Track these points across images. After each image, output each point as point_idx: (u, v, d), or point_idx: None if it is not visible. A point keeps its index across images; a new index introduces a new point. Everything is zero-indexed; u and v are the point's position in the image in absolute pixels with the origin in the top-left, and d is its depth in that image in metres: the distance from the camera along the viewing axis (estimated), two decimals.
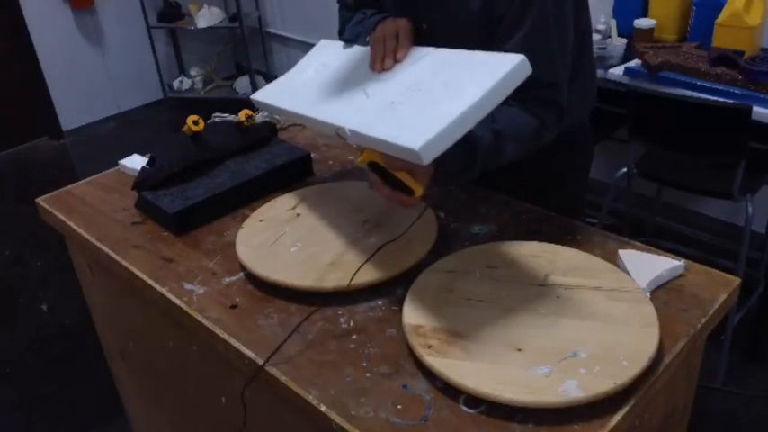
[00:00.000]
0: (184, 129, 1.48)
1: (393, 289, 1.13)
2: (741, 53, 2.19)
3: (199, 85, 4.82)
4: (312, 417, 0.94)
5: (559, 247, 1.17)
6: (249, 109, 1.56)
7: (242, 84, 4.75)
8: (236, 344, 1.05)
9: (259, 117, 1.66)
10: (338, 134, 1.09)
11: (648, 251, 1.17)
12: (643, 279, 1.09)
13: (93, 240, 1.35)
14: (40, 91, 4.26)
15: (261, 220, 1.31)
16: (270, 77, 4.70)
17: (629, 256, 1.15)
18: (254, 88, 4.55)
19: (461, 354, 0.95)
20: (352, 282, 1.09)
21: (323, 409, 0.92)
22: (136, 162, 1.56)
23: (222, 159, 1.48)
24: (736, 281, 1.11)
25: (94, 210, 1.46)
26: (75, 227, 1.41)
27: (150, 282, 1.21)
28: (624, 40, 2.52)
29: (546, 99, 1.20)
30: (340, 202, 1.34)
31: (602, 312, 1.01)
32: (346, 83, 1.25)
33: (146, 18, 4.43)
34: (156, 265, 1.25)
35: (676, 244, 2.53)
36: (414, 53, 1.21)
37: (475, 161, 1.12)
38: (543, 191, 1.38)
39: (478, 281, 1.10)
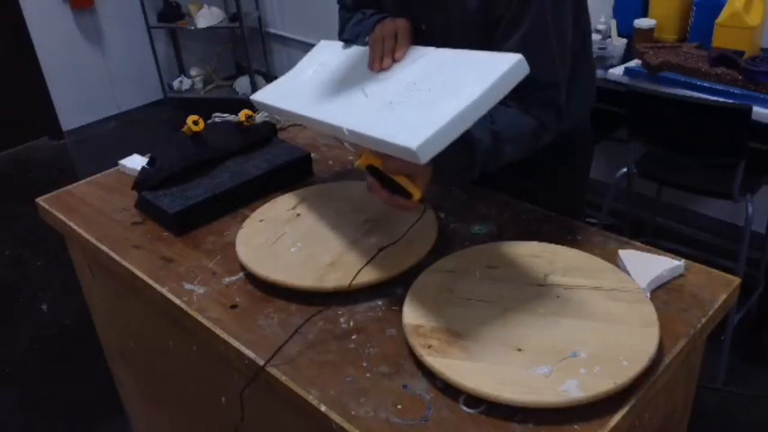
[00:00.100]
0: (184, 129, 1.48)
1: (393, 289, 1.13)
2: (741, 53, 2.19)
3: (199, 85, 4.82)
4: (312, 417, 0.94)
5: (559, 247, 1.17)
6: (249, 109, 1.56)
7: (242, 84, 4.75)
8: (235, 344, 1.05)
9: (259, 117, 1.66)
10: (336, 137, 1.09)
11: (648, 251, 1.17)
12: (643, 279, 1.09)
13: (93, 240, 1.35)
14: (40, 91, 4.26)
15: (261, 220, 1.31)
16: (270, 77, 4.70)
17: (629, 256, 1.15)
18: (254, 88, 4.55)
19: (461, 354, 0.95)
20: (352, 282, 1.09)
21: (323, 409, 0.92)
22: (136, 162, 1.56)
23: (222, 159, 1.48)
24: (736, 281, 1.11)
25: (94, 210, 1.46)
26: (75, 227, 1.41)
27: (150, 282, 1.21)
28: (624, 40, 2.52)
29: (545, 99, 1.20)
30: (340, 202, 1.34)
31: (602, 312, 1.01)
32: (345, 83, 1.25)
33: (146, 18, 4.43)
34: (156, 265, 1.26)
35: (676, 244, 2.53)
36: (412, 53, 1.21)
37: (474, 162, 1.12)
38: (543, 191, 1.38)
39: (478, 281, 1.10)
